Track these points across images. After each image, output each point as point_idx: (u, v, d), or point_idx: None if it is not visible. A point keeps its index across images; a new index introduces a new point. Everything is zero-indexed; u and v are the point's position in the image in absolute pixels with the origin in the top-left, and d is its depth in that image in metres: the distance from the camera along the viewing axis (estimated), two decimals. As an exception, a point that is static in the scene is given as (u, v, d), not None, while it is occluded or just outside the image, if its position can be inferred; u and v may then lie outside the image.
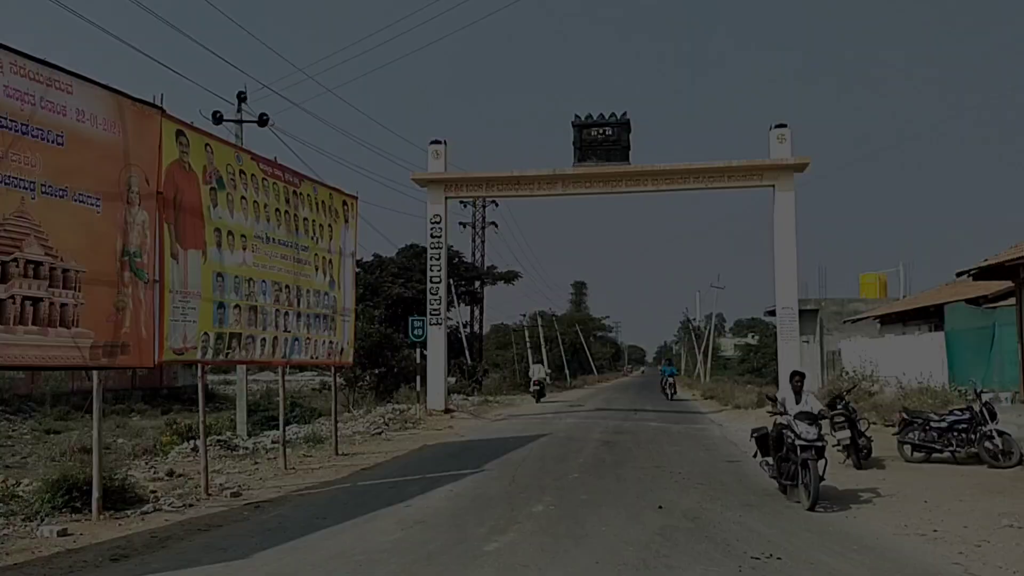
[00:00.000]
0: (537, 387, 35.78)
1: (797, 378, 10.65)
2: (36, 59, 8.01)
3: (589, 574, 6.74)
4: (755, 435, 11.16)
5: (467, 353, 47.31)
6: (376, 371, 30.32)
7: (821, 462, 9.67)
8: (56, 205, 8.10)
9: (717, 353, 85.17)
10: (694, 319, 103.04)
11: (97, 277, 8.62)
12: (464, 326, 49.95)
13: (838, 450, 13.33)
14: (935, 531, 8.33)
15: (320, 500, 10.49)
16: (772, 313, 51.80)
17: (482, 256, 52.92)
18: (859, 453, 13.00)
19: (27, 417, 31.24)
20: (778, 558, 7.21)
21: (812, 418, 9.92)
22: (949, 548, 7.65)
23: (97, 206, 8.70)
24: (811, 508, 9.27)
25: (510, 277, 53.84)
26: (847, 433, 13.03)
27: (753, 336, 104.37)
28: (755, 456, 11.14)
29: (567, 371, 70.19)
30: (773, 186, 23.14)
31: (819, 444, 9.66)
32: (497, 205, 54.11)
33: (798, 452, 9.65)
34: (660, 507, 9.60)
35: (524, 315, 70.70)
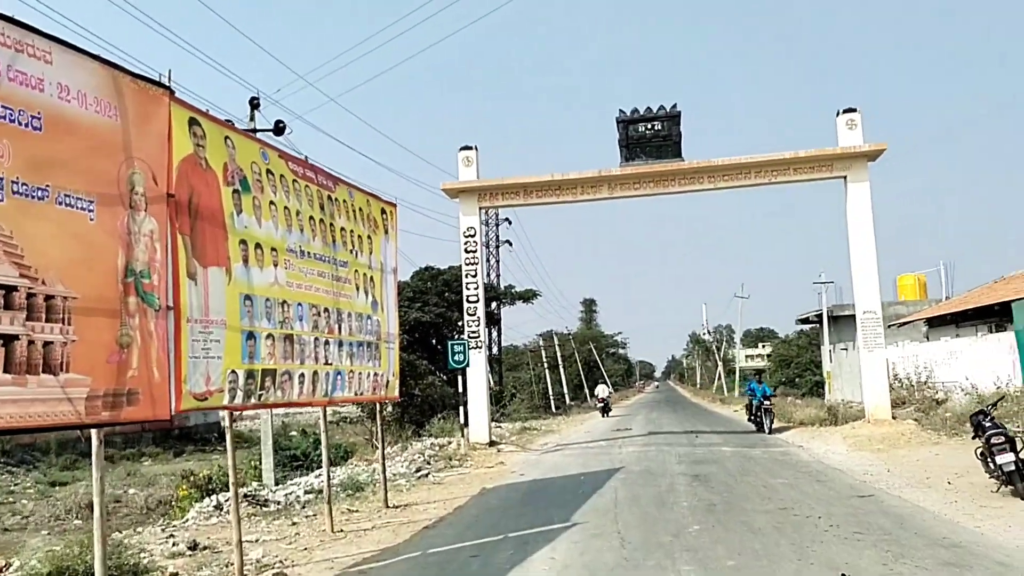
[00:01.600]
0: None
1: None
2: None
3: None
4: None
5: (489, 378, 45.21)
6: (399, 400, 28.27)
7: None
8: (33, 209, 5.87)
9: (730, 365, 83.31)
10: (705, 332, 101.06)
11: (93, 305, 6.35)
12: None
13: (993, 478, 11.18)
14: None
15: (390, 581, 8.19)
16: (805, 321, 50.11)
17: (497, 276, 50.85)
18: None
19: (31, 468, 29.09)
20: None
21: None
22: None
23: (90, 211, 6.46)
24: None
25: (529, 296, 51.44)
26: (1010, 457, 10.76)
27: (763, 346, 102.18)
28: None
29: (587, 390, 68.16)
30: (845, 177, 20.75)
31: None
32: (511, 223, 52.27)
33: None
34: (843, 575, 7.32)
35: (540, 335, 68.96)
